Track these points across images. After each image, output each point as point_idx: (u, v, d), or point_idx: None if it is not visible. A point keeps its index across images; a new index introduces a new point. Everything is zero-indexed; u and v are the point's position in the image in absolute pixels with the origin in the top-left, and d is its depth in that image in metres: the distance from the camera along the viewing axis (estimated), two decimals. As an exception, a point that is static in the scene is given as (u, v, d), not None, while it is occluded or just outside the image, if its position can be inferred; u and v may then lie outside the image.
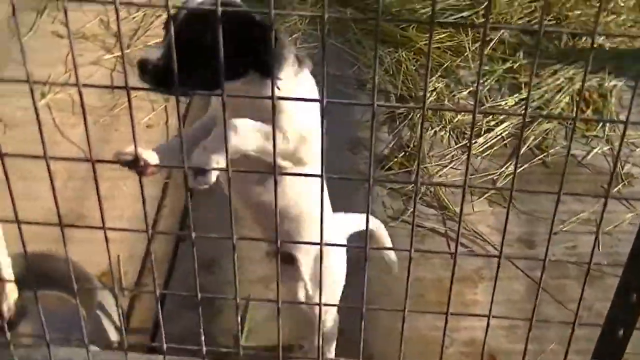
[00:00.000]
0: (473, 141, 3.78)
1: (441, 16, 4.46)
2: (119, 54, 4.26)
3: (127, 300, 3.22)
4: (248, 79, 2.03)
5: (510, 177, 3.70)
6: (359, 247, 1.63)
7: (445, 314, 1.74)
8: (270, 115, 1.58)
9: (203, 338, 1.97)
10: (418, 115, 3.94)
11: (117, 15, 1.28)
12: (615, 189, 3.70)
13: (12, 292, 2.89)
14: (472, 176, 3.71)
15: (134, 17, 4.50)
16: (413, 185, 3.67)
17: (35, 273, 1.72)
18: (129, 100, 1.45)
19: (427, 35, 4.36)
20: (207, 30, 1.85)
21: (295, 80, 2.13)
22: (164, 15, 4.47)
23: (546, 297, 3.21)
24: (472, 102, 4.08)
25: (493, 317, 1.73)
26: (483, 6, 4.53)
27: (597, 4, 4.64)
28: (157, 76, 1.97)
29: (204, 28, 1.88)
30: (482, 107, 4.04)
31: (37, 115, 1.51)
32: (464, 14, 4.53)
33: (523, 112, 1.40)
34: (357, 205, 3.50)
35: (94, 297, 2.84)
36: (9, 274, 2.83)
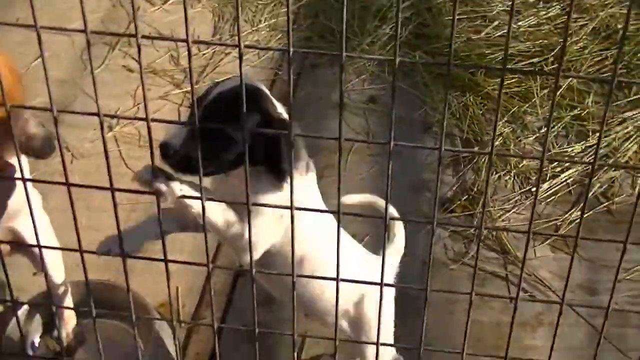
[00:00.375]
0: (538, 187, 3.76)
1: (510, 62, 4.45)
2: (188, 89, 4.31)
3: (184, 332, 3.24)
4: (257, 169, 2.04)
5: (574, 223, 3.67)
6: (421, 289, 1.63)
7: (504, 358, 1.73)
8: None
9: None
10: (483, 159, 3.93)
11: (190, 52, 1.31)
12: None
13: (71, 319, 2.92)
14: (536, 221, 3.68)
15: (203, 54, 4.56)
16: (476, 228, 3.66)
17: (95, 302, 1.74)
18: (197, 135, 1.47)
19: (495, 80, 4.35)
20: (232, 118, 1.88)
21: (303, 185, 2.16)
22: (234, 53, 4.54)
23: (607, 345, 3.17)
24: (538, 148, 4.06)
25: (552, 364, 1.72)
26: (553, 53, 4.52)
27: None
28: (179, 161, 2.00)
29: (229, 115, 1.92)
30: (549, 154, 4.02)
31: (105, 146, 1.54)
32: (534, 60, 4.51)
33: (591, 159, 1.40)
34: (419, 246, 3.52)
35: (151, 328, 2.86)
36: (68, 301, 2.87)
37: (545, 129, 1.71)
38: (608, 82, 1.30)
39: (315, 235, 2.29)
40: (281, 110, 2.15)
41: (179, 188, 1.98)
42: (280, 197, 2.12)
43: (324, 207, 2.34)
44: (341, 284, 2.35)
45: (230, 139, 1.92)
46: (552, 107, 1.38)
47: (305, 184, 2.22)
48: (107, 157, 1.61)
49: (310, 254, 2.29)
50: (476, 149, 4.06)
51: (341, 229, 1.96)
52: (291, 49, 1.31)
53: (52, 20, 4.49)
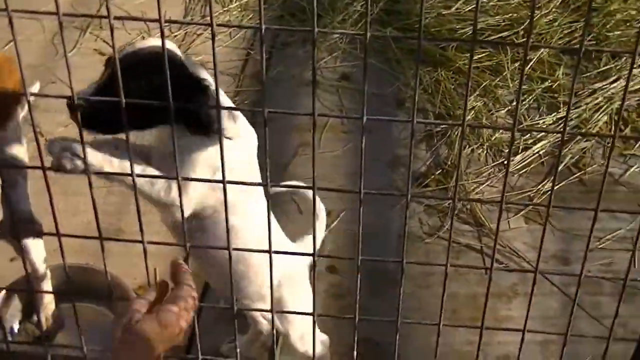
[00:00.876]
0: (510, 159, 3.79)
1: (480, 36, 4.47)
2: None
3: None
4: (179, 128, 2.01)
5: (547, 194, 3.71)
6: (396, 261, 1.65)
7: (480, 328, 1.76)
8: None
9: (238, 350, 2.00)
10: (456, 133, 3.95)
11: (162, 32, 1.32)
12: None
13: (49, 303, 2.93)
14: (509, 193, 3.72)
15: (175, 36, 4.55)
16: (450, 201, 3.69)
17: (74, 285, 1.74)
18: (170, 117, 1.48)
19: (466, 54, 4.37)
20: (144, 76, 1.87)
21: (233, 146, 2.14)
22: (205, 34, 4.53)
23: (581, 313, 3.21)
24: (510, 121, 4.08)
25: (528, 331, 1.75)
26: (522, 26, 4.54)
27: (638, 25, 4.64)
28: (88, 118, 1.98)
29: (142, 74, 1.90)
30: (521, 126, 4.05)
31: (80, 131, 1.55)
32: (504, 34, 4.53)
33: (562, 129, 1.42)
34: (394, 221, 3.54)
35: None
36: (47, 285, 2.88)
37: (516, 101, 1.76)
38: (576, 52, 1.32)
39: (244, 200, 2.26)
40: (200, 71, 2.11)
41: (90, 160, 1.96)
42: (208, 154, 2.11)
43: (258, 176, 2.31)
44: (261, 268, 2.36)
45: (142, 96, 1.84)
46: (522, 78, 1.40)
47: (236, 145, 2.18)
48: (82, 140, 1.62)
49: (238, 226, 2.24)
50: (450, 122, 4.08)
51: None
52: (263, 26, 1.33)
53: (22, 5, 4.46)
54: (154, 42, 2.02)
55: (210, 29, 1.32)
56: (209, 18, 1.28)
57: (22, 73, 1.46)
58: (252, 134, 2.29)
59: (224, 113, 2.12)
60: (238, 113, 2.24)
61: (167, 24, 1.27)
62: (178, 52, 2.12)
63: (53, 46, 4.37)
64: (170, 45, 2.07)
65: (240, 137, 2.22)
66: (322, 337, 2.82)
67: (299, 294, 2.58)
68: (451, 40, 4.66)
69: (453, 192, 1.62)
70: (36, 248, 2.78)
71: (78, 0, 4.75)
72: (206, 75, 2.10)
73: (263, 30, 1.33)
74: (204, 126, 2.04)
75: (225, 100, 2.28)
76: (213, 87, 2.01)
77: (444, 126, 4.06)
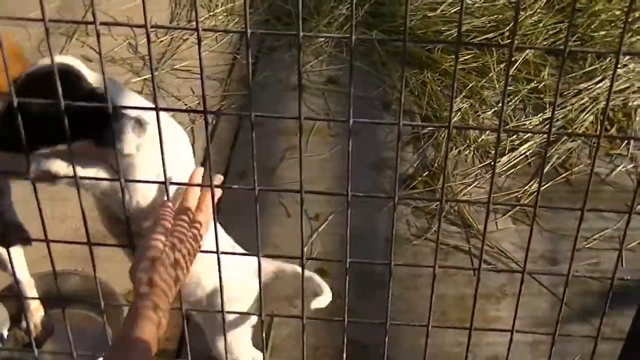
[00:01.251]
0: (497, 160, 3.80)
1: (466, 38, 4.48)
2: (147, 76, 4.31)
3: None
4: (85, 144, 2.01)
5: (534, 195, 3.72)
6: (384, 263, 1.65)
7: (469, 329, 1.76)
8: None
9: (226, 356, 2.01)
10: (443, 135, 3.97)
11: (149, 38, 1.32)
12: (639, 206, 3.70)
13: (37, 310, 2.93)
14: (496, 194, 3.73)
15: (161, 41, 4.55)
16: (437, 203, 3.70)
17: (63, 291, 1.75)
18: (158, 122, 1.48)
19: (452, 56, 4.38)
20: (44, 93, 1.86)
21: (142, 143, 2.10)
22: (192, 39, 4.54)
23: (569, 313, 3.22)
24: (496, 122, 4.09)
25: (516, 331, 1.75)
26: (508, 27, 4.56)
27: (622, 25, 4.66)
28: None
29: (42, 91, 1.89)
30: (507, 127, 4.06)
31: (68, 138, 1.55)
32: (489, 35, 4.55)
33: (547, 130, 1.43)
34: (382, 223, 3.55)
35: (120, 315, 2.87)
36: (32, 292, 2.87)
37: (501, 102, 1.77)
38: (561, 53, 1.33)
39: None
40: (99, 84, 2.08)
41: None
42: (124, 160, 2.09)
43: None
44: (200, 273, 2.34)
45: (43, 115, 1.84)
46: (507, 79, 1.41)
47: (145, 140, 2.14)
48: (69, 146, 1.62)
49: None
50: (436, 124, 4.09)
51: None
52: (249, 31, 1.33)
53: (7, 12, 4.47)
54: (57, 58, 2.00)
55: (196, 33, 1.32)
56: (195, 23, 1.29)
57: (9, 81, 1.47)
58: (178, 137, 2.25)
59: (129, 124, 2.08)
60: (151, 120, 2.16)
61: (153, 30, 1.27)
62: (77, 65, 2.09)
63: (39, 53, 4.37)
64: (70, 60, 2.05)
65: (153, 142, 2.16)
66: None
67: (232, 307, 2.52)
68: (436, 42, 4.68)
69: (440, 193, 1.62)
70: (16, 255, 2.77)
71: (64, 6, 4.76)
72: (116, 87, 2.10)
73: (249, 35, 1.33)
74: (106, 140, 2.02)
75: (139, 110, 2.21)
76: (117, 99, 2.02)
77: (430, 128, 4.07)
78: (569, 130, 4.06)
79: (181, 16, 4.78)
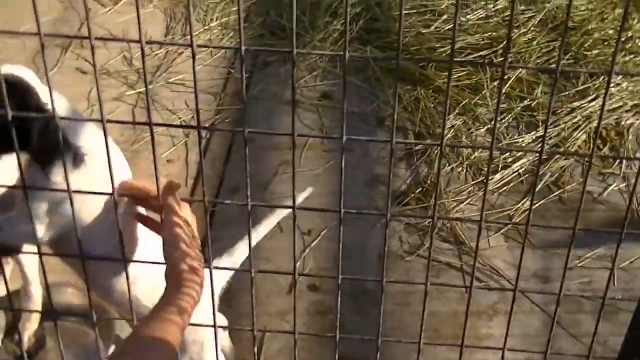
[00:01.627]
0: (490, 177, 3.81)
1: (460, 55, 4.50)
2: (142, 90, 4.31)
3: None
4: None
5: (526, 212, 3.72)
6: (376, 280, 1.66)
7: (460, 346, 1.77)
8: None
9: None
10: (435, 152, 3.97)
11: (143, 53, 1.33)
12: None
13: (36, 320, 2.93)
14: (489, 212, 3.73)
15: (156, 54, 4.56)
16: (430, 220, 3.70)
17: (55, 304, 1.75)
18: (152, 136, 1.49)
19: (446, 73, 4.39)
20: None
21: (77, 177, 2.07)
22: (186, 52, 4.55)
23: (561, 331, 3.22)
24: (489, 140, 4.10)
25: (508, 349, 1.76)
26: (501, 45, 4.57)
27: (615, 44, 4.67)
28: None
29: None
30: (500, 144, 4.07)
31: (62, 152, 1.55)
32: (483, 52, 4.56)
33: (540, 149, 1.43)
34: (374, 239, 3.55)
35: (112, 329, 2.87)
36: (38, 304, 2.87)
37: (494, 120, 1.78)
38: (553, 72, 1.34)
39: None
40: (47, 99, 2.06)
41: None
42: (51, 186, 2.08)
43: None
44: (144, 283, 2.33)
45: None
46: (500, 97, 1.42)
47: (78, 177, 2.12)
48: (63, 161, 1.63)
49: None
50: (429, 141, 4.10)
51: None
52: (243, 47, 1.34)
53: (2, 23, 4.48)
54: (7, 68, 2.00)
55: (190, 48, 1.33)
56: (189, 38, 1.29)
57: (4, 94, 1.47)
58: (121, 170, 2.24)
59: (68, 157, 2.07)
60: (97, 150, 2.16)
61: (148, 44, 1.28)
62: (29, 78, 2.07)
63: (35, 65, 4.37)
64: (24, 72, 2.04)
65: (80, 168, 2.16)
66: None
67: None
68: (430, 60, 4.69)
69: (433, 210, 1.63)
70: (30, 264, 2.78)
71: (60, 18, 4.77)
72: (60, 102, 2.08)
73: (243, 51, 1.34)
74: (42, 155, 2.01)
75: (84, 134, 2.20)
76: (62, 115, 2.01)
77: (423, 145, 4.08)
78: (562, 149, 4.07)
79: (176, 30, 4.79)
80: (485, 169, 3.95)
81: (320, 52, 1.65)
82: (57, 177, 2.00)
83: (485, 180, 3.52)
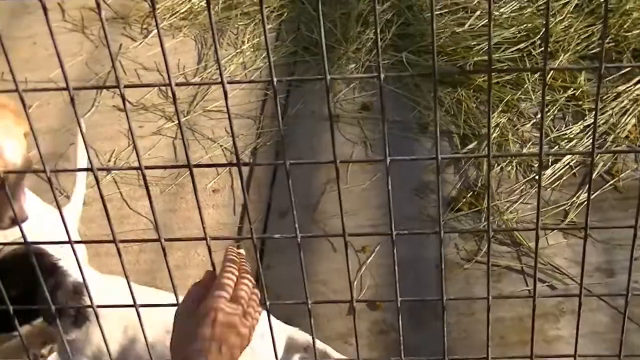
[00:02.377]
0: (542, 174, 3.74)
1: (497, 51, 4.43)
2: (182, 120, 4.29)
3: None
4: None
5: (583, 205, 3.64)
6: (436, 299, 1.61)
7: (530, 357, 1.71)
8: None
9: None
10: (483, 153, 3.90)
11: (174, 94, 1.29)
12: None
13: None
14: (544, 209, 3.65)
15: (191, 83, 4.54)
16: (484, 232, 3.64)
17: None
18: (192, 175, 1.45)
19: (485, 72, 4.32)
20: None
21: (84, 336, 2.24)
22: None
23: (633, 326, 3.14)
24: (536, 134, 4.03)
25: (579, 356, 1.70)
26: (538, 36, 4.49)
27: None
28: None
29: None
30: (547, 138, 3.99)
31: (102, 198, 1.52)
32: (520, 46, 4.48)
33: (591, 140, 1.38)
34: (430, 249, 3.49)
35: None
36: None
37: (541, 118, 1.72)
38: (596, 69, 1.29)
39: None
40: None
41: None
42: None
43: None
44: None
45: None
46: (544, 98, 1.36)
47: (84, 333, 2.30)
48: (105, 209, 1.59)
49: None
50: (474, 143, 4.03)
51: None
52: (275, 79, 1.29)
53: (34, 70, 4.47)
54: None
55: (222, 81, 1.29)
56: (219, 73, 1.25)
57: (39, 149, 1.45)
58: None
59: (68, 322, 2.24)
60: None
61: (177, 76, 1.25)
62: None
63: (71, 107, 4.37)
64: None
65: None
66: None
67: None
68: (467, 72, 4.58)
69: (487, 223, 1.58)
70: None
71: (91, 58, 4.77)
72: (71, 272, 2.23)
73: (275, 82, 1.29)
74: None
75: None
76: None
77: (471, 147, 4.00)
78: (612, 135, 3.96)
79: (209, 56, 4.76)
80: (536, 164, 3.86)
81: (353, 76, 1.61)
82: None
83: (538, 180, 3.44)
